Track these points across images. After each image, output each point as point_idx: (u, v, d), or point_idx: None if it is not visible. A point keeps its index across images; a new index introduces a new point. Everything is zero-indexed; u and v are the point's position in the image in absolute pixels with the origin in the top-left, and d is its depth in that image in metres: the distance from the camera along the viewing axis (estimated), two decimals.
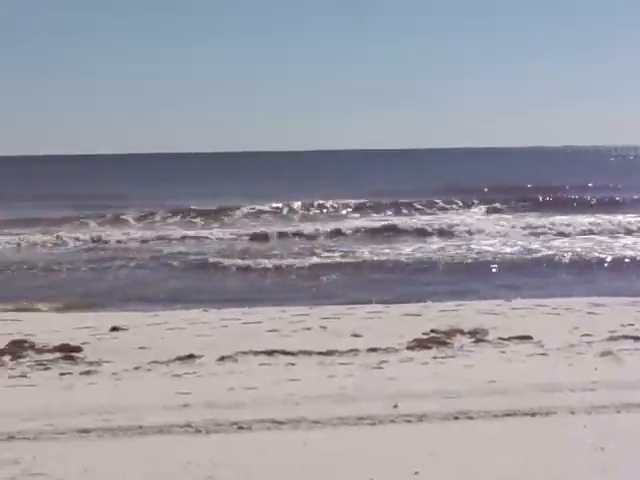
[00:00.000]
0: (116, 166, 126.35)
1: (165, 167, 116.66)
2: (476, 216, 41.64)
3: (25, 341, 13.61)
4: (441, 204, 45.93)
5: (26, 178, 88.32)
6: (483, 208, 45.48)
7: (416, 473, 7.15)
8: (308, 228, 35.71)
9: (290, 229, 35.56)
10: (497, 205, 45.58)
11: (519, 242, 30.81)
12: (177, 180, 78.28)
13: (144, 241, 32.73)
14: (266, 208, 43.38)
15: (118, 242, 32.77)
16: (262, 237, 33.76)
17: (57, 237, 33.25)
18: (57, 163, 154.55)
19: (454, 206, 45.51)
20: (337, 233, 34.71)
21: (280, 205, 44.27)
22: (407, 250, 29.06)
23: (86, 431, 8.46)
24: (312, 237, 33.88)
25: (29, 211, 44.09)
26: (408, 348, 12.59)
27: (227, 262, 25.91)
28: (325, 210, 44.28)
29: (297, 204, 44.48)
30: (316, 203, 45.06)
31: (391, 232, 34.97)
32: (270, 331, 14.21)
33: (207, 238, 33.67)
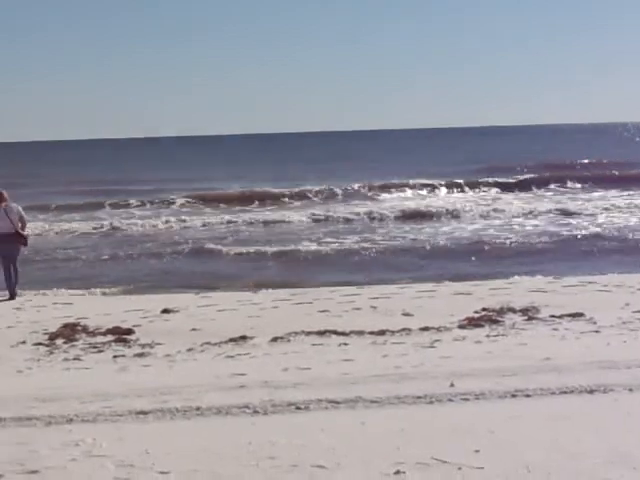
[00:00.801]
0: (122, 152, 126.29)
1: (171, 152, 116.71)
2: (514, 195, 41.46)
3: (78, 324, 13.76)
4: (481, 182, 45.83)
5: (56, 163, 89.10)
6: (520, 180, 45.37)
7: (477, 451, 7.10)
8: (345, 211, 35.66)
9: (331, 213, 35.46)
10: (535, 182, 45.39)
11: (562, 221, 30.63)
12: (194, 164, 78.30)
13: (186, 227, 32.82)
14: (286, 192, 43.29)
15: (160, 227, 32.90)
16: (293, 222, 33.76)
17: (100, 224, 33.45)
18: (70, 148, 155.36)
19: (491, 185, 45.33)
20: (375, 216, 34.60)
21: (319, 188, 44.27)
22: (446, 229, 29.02)
23: (144, 413, 8.48)
24: (351, 220, 33.79)
25: (67, 197, 44.38)
26: (460, 327, 12.56)
27: (264, 248, 25.94)
28: (357, 191, 44.19)
29: (325, 187, 44.38)
30: (347, 186, 44.94)
31: (428, 213, 34.79)
32: (321, 311, 14.22)
33: (236, 222, 33.71)
